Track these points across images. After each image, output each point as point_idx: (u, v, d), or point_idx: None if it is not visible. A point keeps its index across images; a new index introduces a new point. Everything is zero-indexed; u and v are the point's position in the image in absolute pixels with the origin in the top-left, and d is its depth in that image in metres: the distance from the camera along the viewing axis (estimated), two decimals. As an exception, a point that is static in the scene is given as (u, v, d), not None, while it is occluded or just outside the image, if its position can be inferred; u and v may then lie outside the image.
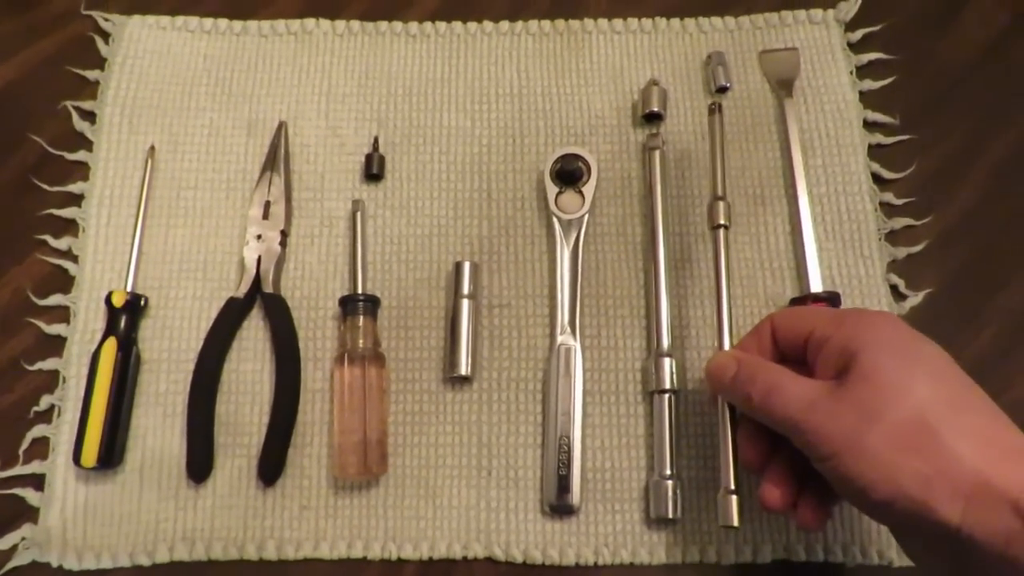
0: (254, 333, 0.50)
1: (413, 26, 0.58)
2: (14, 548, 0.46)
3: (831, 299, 0.49)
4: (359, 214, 0.52)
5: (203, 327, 0.49)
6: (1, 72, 0.57)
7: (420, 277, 0.52)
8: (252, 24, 0.58)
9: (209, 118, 0.55)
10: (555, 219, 0.51)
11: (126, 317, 0.49)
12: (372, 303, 0.49)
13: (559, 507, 0.46)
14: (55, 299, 0.51)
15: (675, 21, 0.58)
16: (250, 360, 0.50)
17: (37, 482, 0.47)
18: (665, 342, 0.48)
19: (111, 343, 0.48)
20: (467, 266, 0.50)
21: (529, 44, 0.58)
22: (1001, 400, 0.35)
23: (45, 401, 0.48)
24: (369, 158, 0.54)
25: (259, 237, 0.51)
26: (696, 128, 0.55)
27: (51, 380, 0.49)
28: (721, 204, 0.47)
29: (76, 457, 0.46)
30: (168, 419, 0.48)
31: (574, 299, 0.50)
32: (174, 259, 0.52)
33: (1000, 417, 0.34)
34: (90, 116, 0.55)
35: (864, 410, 0.34)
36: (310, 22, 0.58)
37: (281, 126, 0.55)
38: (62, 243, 0.52)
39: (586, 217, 0.51)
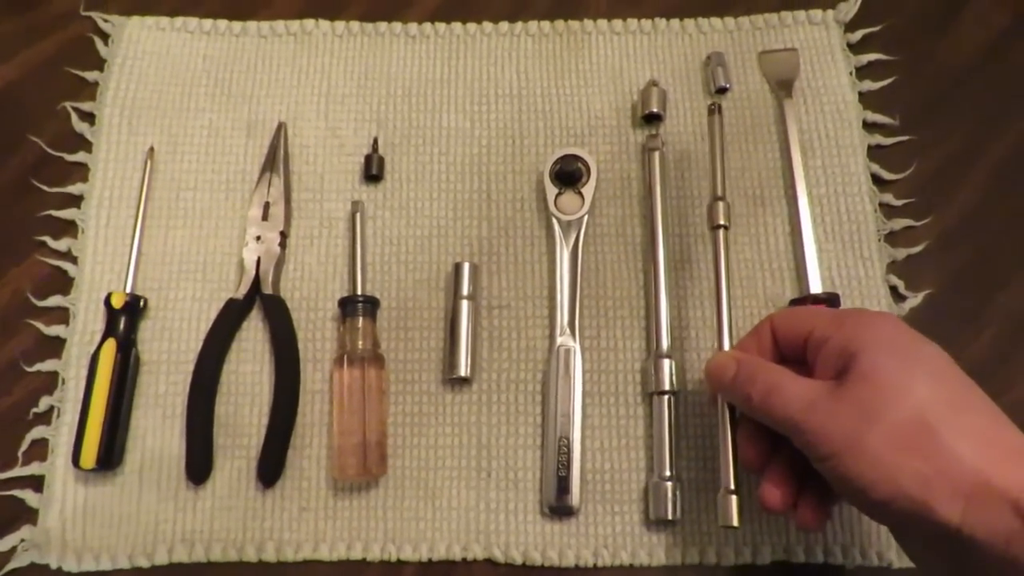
0: (253, 334, 0.50)
1: (412, 27, 0.58)
2: (13, 550, 0.46)
3: (831, 300, 0.49)
4: (358, 215, 0.52)
5: (202, 328, 0.49)
6: (0, 73, 0.57)
7: (419, 278, 0.52)
8: (251, 25, 0.58)
9: (208, 119, 0.55)
10: (554, 220, 0.51)
11: (125, 318, 0.49)
12: (371, 304, 0.49)
13: (558, 508, 0.46)
14: (54, 300, 0.51)
15: (675, 22, 0.58)
16: (249, 361, 0.50)
17: (36, 484, 0.47)
18: (665, 343, 0.48)
19: (110, 344, 0.48)
20: (466, 267, 0.50)
21: (529, 45, 0.58)
22: (1001, 401, 0.35)
23: (44, 403, 0.48)
24: (368, 159, 0.54)
25: (258, 238, 0.51)
26: (696, 129, 0.55)
27: (50, 382, 0.49)
28: (721, 204, 0.47)
29: (75, 459, 0.46)
30: (167, 420, 0.48)
31: (573, 300, 0.50)
32: (173, 260, 0.52)
33: (1000, 417, 0.34)
34: (89, 117, 0.55)
35: (864, 410, 0.34)
36: (309, 23, 0.58)
37: (280, 127, 0.55)
38: (61, 244, 0.52)
39: (585, 218, 0.51)
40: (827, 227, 0.52)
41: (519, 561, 0.46)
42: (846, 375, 0.36)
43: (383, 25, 0.58)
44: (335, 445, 0.46)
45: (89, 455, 0.46)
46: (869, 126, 0.55)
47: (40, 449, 0.48)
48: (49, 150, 0.54)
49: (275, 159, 0.53)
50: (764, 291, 0.51)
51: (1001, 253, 0.52)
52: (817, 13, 0.58)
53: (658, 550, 0.46)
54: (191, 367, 0.48)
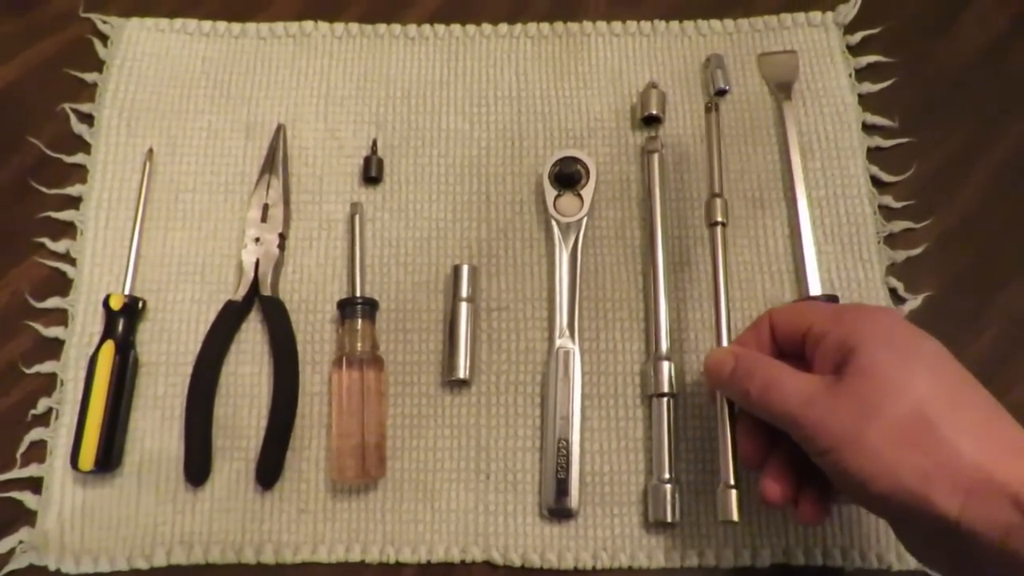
0: (252, 336, 0.50)
1: (412, 28, 0.58)
2: (11, 551, 0.46)
3: (830, 302, 0.49)
4: (357, 217, 0.52)
5: (201, 330, 0.49)
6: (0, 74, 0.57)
7: (418, 280, 0.52)
8: (251, 26, 0.58)
9: (207, 121, 0.55)
10: (554, 222, 0.51)
11: (124, 320, 0.49)
12: (370, 306, 0.49)
13: (557, 511, 0.46)
14: (53, 302, 0.51)
15: (674, 24, 0.58)
16: (248, 363, 0.49)
17: (35, 485, 0.47)
18: (664, 345, 0.48)
19: (109, 346, 0.48)
20: (465, 269, 0.50)
21: (528, 47, 0.58)
22: (1002, 403, 0.35)
23: (43, 404, 0.48)
24: (368, 161, 0.54)
25: (257, 240, 0.51)
26: (695, 131, 0.55)
27: (49, 383, 0.49)
28: (718, 201, 0.47)
29: (74, 460, 0.46)
30: (166, 422, 0.48)
31: (573, 302, 0.50)
32: (172, 262, 0.52)
33: (1000, 412, 0.34)
34: (88, 119, 0.55)
35: (863, 405, 0.34)
36: (308, 24, 0.58)
37: (279, 129, 0.54)
38: (60, 246, 0.52)
39: (585, 220, 0.51)
40: (826, 229, 0.52)
41: (518, 563, 0.46)
42: (845, 370, 0.36)
43: (382, 27, 0.58)
44: (334, 447, 0.46)
45: (88, 457, 0.45)
46: (868, 128, 0.55)
47: (39, 451, 0.48)
48: (48, 151, 0.54)
49: (274, 161, 0.53)
50: (763, 293, 0.51)
51: (1001, 255, 0.52)
52: (816, 15, 0.58)
53: (657, 552, 0.46)
54: (190, 369, 0.48)
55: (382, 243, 0.53)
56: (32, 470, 0.47)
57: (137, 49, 0.57)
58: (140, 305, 0.50)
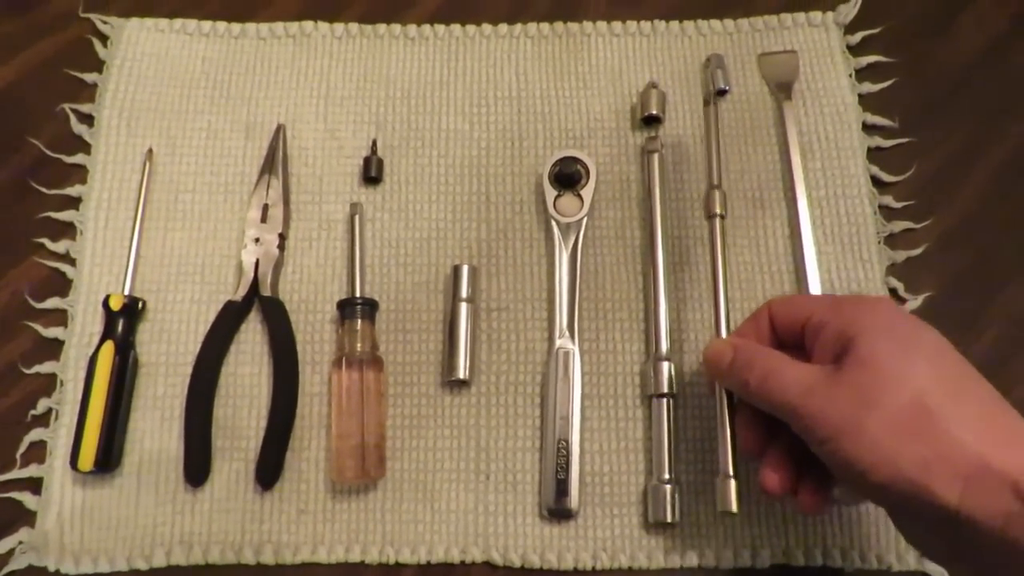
0: (252, 336, 0.50)
1: (412, 28, 0.58)
2: (11, 552, 0.46)
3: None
4: (357, 217, 0.52)
5: (201, 330, 0.49)
6: (-1, 74, 0.58)
7: (418, 280, 0.52)
8: (250, 27, 0.58)
9: (207, 121, 0.55)
10: (554, 222, 0.51)
11: (124, 320, 0.49)
12: (370, 306, 0.49)
13: (557, 511, 0.46)
14: (52, 302, 0.51)
15: (674, 24, 0.58)
16: (248, 364, 0.49)
17: (34, 486, 0.47)
18: (664, 346, 0.48)
19: (108, 347, 0.48)
20: (465, 269, 0.50)
21: (528, 47, 0.58)
22: (1002, 404, 0.35)
23: (42, 405, 0.48)
24: (367, 161, 0.54)
25: (257, 240, 0.51)
26: (695, 131, 0.55)
27: (48, 384, 0.49)
28: (717, 193, 0.47)
29: (73, 461, 0.46)
30: (166, 423, 0.48)
31: (572, 302, 0.50)
32: (172, 262, 0.52)
33: (999, 402, 0.34)
34: (88, 119, 0.55)
35: (862, 394, 0.34)
36: (308, 25, 0.58)
37: (279, 129, 0.54)
38: (60, 246, 0.52)
39: (584, 220, 0.51)
40: (826, 229, 0.52)
41: (517, 564, 0.46)
42: (844, 359, 0.36)
43: (382, 27, 0.58)
44: (333, 447, 0.46)
45: (87, 457, 0.45)
46: (869, 128, 0.55)
47: (38, 451, 0.48)
48: (48, 152, 0.54)
49: (274, 161, 0.53)
50: (764, 293, 0.51)
51: (1001, 255, 0.52)
52: (817, 15, 0.58)
53: (657, 553, 0.46)
54: (189, 369, 0.48)
55: (382, 243, 0.53)
56: (32, 470, 0.47)
57: (137, 49, 0.57)
58: (140, 305, 0.50)
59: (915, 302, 0.51)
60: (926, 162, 0.54)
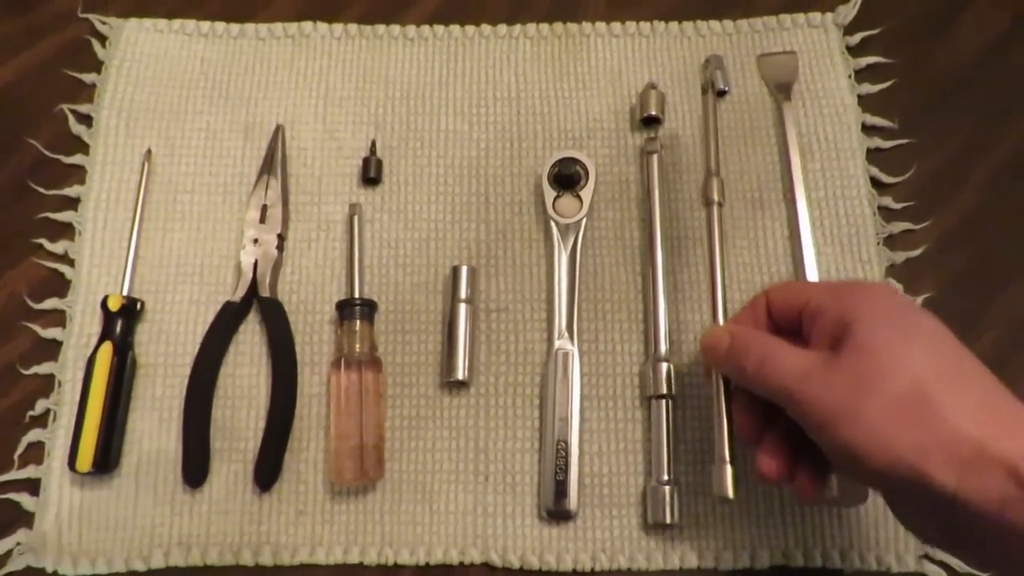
0: (251, 337, 0.50)
1: (411, 29, 0.58)
2: (9, 553, 0.46)
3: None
4: (356, 218, 0.52)
5: (199, 331, 0.49)
6: (-2, 75, 0.58)
7: (417, 281, 0.52)
8: (249, 27, 0.58)
9: (206, 122, 0.55)
10: (553, 223, 0.51)
11: (122, 321, 0.49)
12: (369, 307, 0.49)
13: (556, 512, 0.46)
14: (51, 303, 0.51)
15: (673, 25, 0.58)
16: (246, 364, 0.49)
17: (32, 487, 0.47)
18: (663, 347, 0.48)
19: (107, 347, 0.48)
20: (464, 270, 0.50)
21: (527, 48, 0.58)
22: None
23: (41, 405, 0.48)
24: (366, 162, 0.54)
25: (256, 241, 0.51)
26: (694, 132, 0.55)
27: (47, 384, 0.49)
28: (715, 180, 0.47)
29: (71, 462, 0.45)
30: (164, 424, 0.48)
31: (572, 303, 0.50)
32: (170, 263, 0.52)
33: (996, 387, 0.34)
34: (87, 119, 0.55)
35: (860, 380, 0.34)
36: (307, 25, 0.58)
37: (278, 130, 0.54)
38: (58, 247, 0.52)
39: (584, 221, 0.51)
40: (826, 230, 0.52)
41: (516, 565, 0.46)
42: (842, 345, 0.35)
43: (381, 27, 0.58)
44: (332, 448, 0.46)
45: (85, 458, 0.45)
46: (868, 129, 0.55)
47: (36, 452, 0.48)
48: (46, 152, 0.54)
49: (273, 162, 0.53)
50: (763, 294, 0.51)
51: (1001, 256, 0.52)
52: (816, 16, 0.58)
53: (656, 554, 0.46)
54: (188, 370, 0.48)
55: (381, 244, 0.52)
56: (30, 471, 0.47)
57: (136, 50, 0.57)
58: (138, 306, 0.50)
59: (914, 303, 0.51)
60: (926, 163, 0.54)
